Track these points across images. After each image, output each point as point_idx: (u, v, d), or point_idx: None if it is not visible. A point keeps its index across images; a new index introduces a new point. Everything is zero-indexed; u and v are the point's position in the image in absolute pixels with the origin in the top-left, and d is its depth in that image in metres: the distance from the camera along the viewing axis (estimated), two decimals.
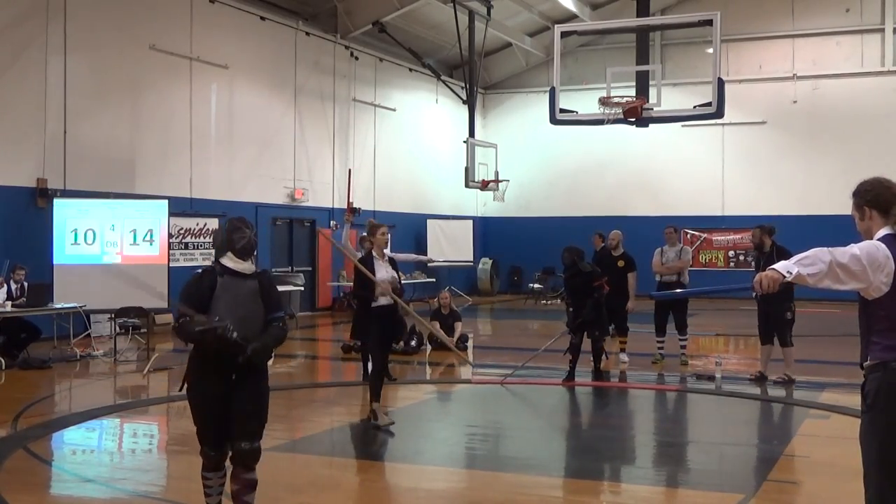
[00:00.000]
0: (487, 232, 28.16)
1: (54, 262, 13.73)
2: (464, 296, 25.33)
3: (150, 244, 14.26)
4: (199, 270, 4.95)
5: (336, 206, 21.63)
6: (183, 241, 17.08)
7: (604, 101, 15.54)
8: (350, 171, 20.06)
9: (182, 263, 16.50)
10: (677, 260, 12.34)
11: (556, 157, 27.04)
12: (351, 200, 18.72)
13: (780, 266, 3.51)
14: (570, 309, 11.04)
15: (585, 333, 10.87)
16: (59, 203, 14.12)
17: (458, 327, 14.00)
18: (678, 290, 11.49)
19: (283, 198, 20.34)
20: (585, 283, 10.82)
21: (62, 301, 13.05)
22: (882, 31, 24.56)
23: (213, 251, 5.10)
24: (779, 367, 10.95)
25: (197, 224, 17.42)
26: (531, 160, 27.13)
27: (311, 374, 13.02)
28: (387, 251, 8.46)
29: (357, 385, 10.73)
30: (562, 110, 15.80)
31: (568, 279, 11.07)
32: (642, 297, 12.13)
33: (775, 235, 10.82)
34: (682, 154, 25.92)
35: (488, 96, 28.69)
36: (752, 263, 11.93)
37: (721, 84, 14.79)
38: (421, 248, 24.42)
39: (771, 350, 10.87)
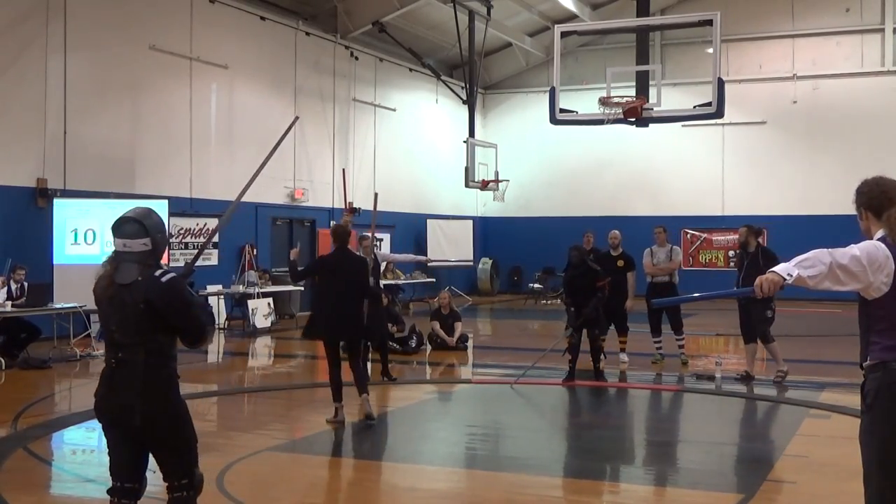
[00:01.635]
0: (487, 232, 28.15)
1: (54, 262, 13.74)
2: (464, 296, 25.32)
3: None
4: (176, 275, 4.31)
5: (336, 206, 21.62)
6: (183, 241, 17.07)
7: (604, 101, 15.54)
8: (343, 171, 20.04)
9: (182, 263, 16.48)
10: (668, 261, 12.26)
11: (556, 157, 27.01)
12: (350, 200, 18.69)
13: (781, 268, 3.49)
14: (571, 308, 11.01)
15: (585, 332, 10.85)
16: (59, 203, 14.12)
17: (458, 327, 14.01)
18: (680, 297, 11.45)
19: (283, 198, 20.33)
20: (590, 282, 10.79)
21: (62, 301, 13.04)
22: (882, 31, 24.56)
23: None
24: (772, 367, 10.98)
25: (197, 224, 17.41)
26: (531, 160, 27.11)
27: (311, 374, 13.00)
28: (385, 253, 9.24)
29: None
30: (562, 110, 15.80)
31: (573, 278, 10.99)
32: (641, 297, 12.17)
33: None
34: (682, 154, 25.90)
35: (488, 96, 28.68)
36: (737, 262, 11.90)
37: (721, 84, 14.79)
38: (421, 248, 24.41)
39: (756, 349, 10.92)
